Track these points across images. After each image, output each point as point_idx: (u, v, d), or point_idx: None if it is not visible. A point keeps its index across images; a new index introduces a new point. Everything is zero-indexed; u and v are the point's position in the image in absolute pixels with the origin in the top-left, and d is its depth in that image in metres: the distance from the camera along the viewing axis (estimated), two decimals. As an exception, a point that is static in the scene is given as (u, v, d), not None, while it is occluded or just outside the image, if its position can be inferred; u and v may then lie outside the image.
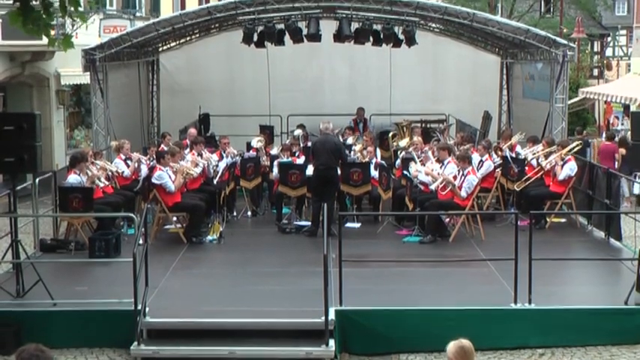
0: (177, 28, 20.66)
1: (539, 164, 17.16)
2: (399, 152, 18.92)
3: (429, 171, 16.10)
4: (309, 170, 16.78)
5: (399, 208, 17.04)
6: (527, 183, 16.87)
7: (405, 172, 16.74)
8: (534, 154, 17.67)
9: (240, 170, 17.80)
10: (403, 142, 19.24)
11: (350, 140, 20.01)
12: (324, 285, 11.02)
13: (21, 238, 12.77)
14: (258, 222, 18.02)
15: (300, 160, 17.95)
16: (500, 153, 18.01)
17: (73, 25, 20.78)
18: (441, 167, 16.21)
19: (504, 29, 20.10)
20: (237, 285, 13.11)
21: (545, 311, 11.73)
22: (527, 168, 17.47)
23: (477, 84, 24.34)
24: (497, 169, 17.54)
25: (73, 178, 15.54)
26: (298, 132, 20.28)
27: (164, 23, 20.42)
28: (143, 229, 12.36)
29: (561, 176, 16.57)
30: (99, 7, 25.86)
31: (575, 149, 17.23)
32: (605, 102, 35.42)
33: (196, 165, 16.86)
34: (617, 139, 25.32)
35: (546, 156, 17.14)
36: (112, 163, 17.63)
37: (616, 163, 22.63)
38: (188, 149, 18.00)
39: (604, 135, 28.77)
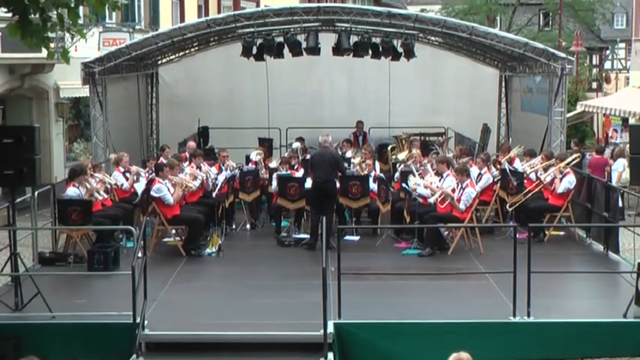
0: (177, 41, 20.72)
1: (538, 178, 17.16)
2: (397, 165, 18.95)
3: (428, 184, 16.11)
4: (308, 183, 16.79)
5: (397, 221, 17.03)
6: (524, 198, 16.83)
7: (404, 185, 16.74)
8: (532, 167, 17.68)
9: (239, 183, 17.80)
10: (402, 155, 19.26)
11: (349, 154, 20.01)
12: (322, 298, 11.00)
13: (20, 251, 12.75)
14: (257, 235, 18.01)
15: (299, 173, 17.95)
16: (499, 166, 18.02)
17: (72, 38, 20.82)
18: (439, 180, 16.21)
19: (503, 42, 20.16)
20: (236, 298, 13.09)
21: (544, 324, 11.71)
22: (525, 181, 17.46)
23: (475, 97, 24.39)
24: (497, 183, 17.53)
25: (72, 191, 15.54)
26: (297, 145, 20.30)
27: (163, 36, 20.46)
28: (142, 242, 12.36)
29: (560, 189, 16.57)
30: (98, 20, 25.88)
31: (574, 162, 17.24)
32: (604, 115, 35.49)
33: (195, 178, 16.87)
34: (607, 152, 25.55)
35: (545, 169, 17.15)
36: (110, 176, 17.62)
37: (606, 175, 22.72)
38: (187, 162, 18.00)
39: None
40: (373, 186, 17.29)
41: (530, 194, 16.91)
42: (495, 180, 17.56)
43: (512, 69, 23.53)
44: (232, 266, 15.18)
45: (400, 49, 20.64)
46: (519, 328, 11.65)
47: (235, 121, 23.50)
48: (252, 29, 20.17)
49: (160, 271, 14.07)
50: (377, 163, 19.18)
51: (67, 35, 20.62)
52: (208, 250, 15.86)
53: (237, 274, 14.56)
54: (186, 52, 24.27)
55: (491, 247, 15.76)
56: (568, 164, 16.94)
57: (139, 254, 11.93)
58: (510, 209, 16.86)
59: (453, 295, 12.89)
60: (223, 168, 18.19)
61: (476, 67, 24.56)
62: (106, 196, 16.41)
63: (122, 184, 17.41)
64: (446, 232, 16.08)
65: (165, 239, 16.54)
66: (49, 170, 25.74)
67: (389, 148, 21.27)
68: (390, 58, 21.23)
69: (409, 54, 20.48)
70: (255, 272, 14.65)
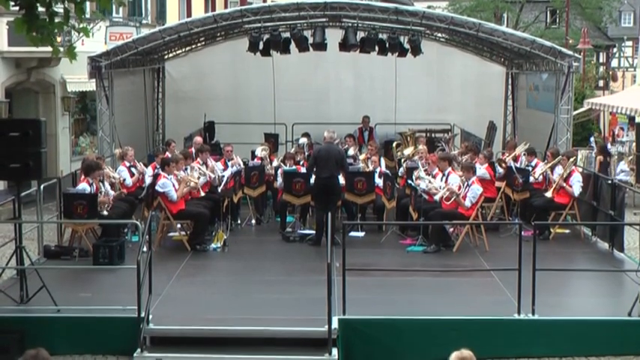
0: (183, 35, 20.71)
1: (544, 177, 17.14)
2: (403, 162, 18.94)
3: (431, 186, 16.07)
4: (314, 179, 16.77)
5: (403, 218, 17.03)
6: (528, 195, 16.87)
7: (410, 181, 16.74)
8: (529, 166, 17.69)
9: (245, 178, 17.82)
10: (407, 152, 19.25)
11: (351, 151, 19.97)
12: (327, 294, 11.02)
13: (25, 245, 12.79)
14: (262, 230, 18.02)
15: (305, 169, 17.92)
16: (504, 165, 17.96)
17: (78, 33, 20.80)
18: (442, 178, 16.20)
19: (510, 40, 20.12)
20: (241, 293, 13.11)
21: (549, 322, 11.71)
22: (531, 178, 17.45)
23: (482, 94, 24.35)
24: (502, 180, 17.52)
25: (83, 187, 15.48)
26: (303, 140, 20.28)
27: (170, 31, 20.45)
28: (147, 237, 12.37)
29: (577, 192, 16.47)
30: (105, 15, 25.90)
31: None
32: (611, 113, 35.42)
33: (202, 174, 16.90)
34: (613, 150, 26.03)
35: (551, 169, 17.13)
36: (115, 170, 17.62)
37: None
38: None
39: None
40: (379, 182, 17.29)
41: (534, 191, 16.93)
42: (501, 177, 17.56)
43: (518, 66, 23.49)
44: (237, 261, 15.19)
45: (407, 46, 20.60)
46: (524, 326, 11.65)
47: (241, 116, 23.50)
48: (258, 24, 20.15)
49: (164, 266, 14.10)
50: (382, 160, 19.17)
51: (73, 31, 20.65)
52: (213, 245, 15.88)
53: (242, 270, 14.57)
54: (193, 46, 24.26)
55: (497, 245, 15.77)
56: (574, 162, 16.93)
57: (144, 249, 11.94)
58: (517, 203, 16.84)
59: (458, 292, 12.90)
60: (229, 164, 18.18)
61: (482, 64, 24.51)
62: (112, 192, 16.39)
63: (124, 179, 17.40)
64: (451, 229, 16.06)
65: (171, 234, 16.56)
66: (55, 164, 25.79)
67: (394, 144, 21.26)
68: (397, 54, 21.20)
69: (416, 50, 20.44)
70: (260, 268, 14.66)
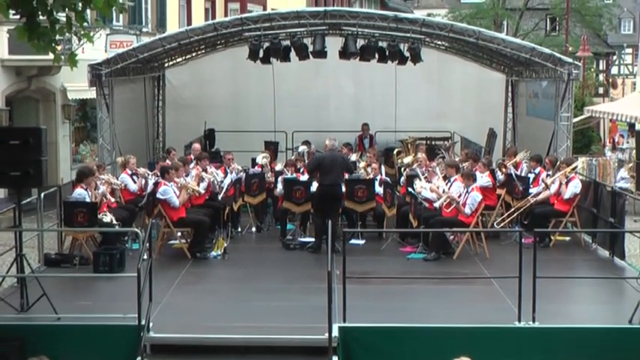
0: (184, 43, 20.71)
1: (544, 182, 17.14)
2: (403, 169, 18.95)
3: (435, 188, 16.08)
4: (314, 186, 16.78)
5: (403, 225, 17.03)
6: (531, 202, 16.88)
7: (410, 189, 16.74)
8: (532, 173, 17.72)
9: (245, 186, 17.84)
10: (408, 159, 19.26)
11: (353, 157, 19.99)
12: (327, 301, 11.01)
13: (26, 253, 12.76)
14: (263, 238, 18.02)
15: (305, 177, 17.93)
16: (504, 170, 17.98)
17: (79, 40, 20.85)
18: (446, 184, 16.21)
19: (510, 47, 20.11)
20: (241, 301, 13.10)
21: (549, 330, 11.69)
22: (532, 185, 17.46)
23: (482, 101, 24.35)
24: (502, 187, 17.51)
25: (78, 193, 15.52)
26: (303, 148, 20.29)
27: (170, 39, 20.45)
28: (147, 244, 12.37)
29: (567, 195, 16.55)
30: (105, 23, 25.96)
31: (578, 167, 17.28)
32: (610, 120, 35.47)
33: (202, 179, 16.90)
34: (614, 157, 25.98)
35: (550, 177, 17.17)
36: (117, 178, 17.63)
37: None
38: (193, 164, 18.00)
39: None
40: (379, 190, 17.30)
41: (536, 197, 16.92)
42: (501, 185, 17.57)
43: (518, 74, 23.49)
44: (237, 269, 15.19)
45: (407, 54, 20.61)
46: (524, 333, 11.63)
47: (241, 124, 23.51)
48: (258, 32, 20.17)
49: (165, 274, 14.10)
50: (383, 167, 19.17)
51: (74, 38, 20.70)
52: (214, 253, 15.88)
53: (243, 277, 14.57)
54: (193, 54, 24.28)
55: (497, 252, 15.76)
56: (574, 169, 16.94)
57: (145, 256, 11.93)
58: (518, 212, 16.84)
59: (458, 300, 12.89)
60: (228, 171, 18.20)
61: (482, 71, 24.52)
62: (112, 199, 16.42)
63: (126, 185, 17.41)
64: (451, 237, 16.06)
65: (171, 242, 16.55)
66: (56, 172, 25.80)
67: (395, 152, 21.27)
68: (397, 62, 21.21)
69: (416, 58, 20.45)
70: (260, 275, 14.66)
